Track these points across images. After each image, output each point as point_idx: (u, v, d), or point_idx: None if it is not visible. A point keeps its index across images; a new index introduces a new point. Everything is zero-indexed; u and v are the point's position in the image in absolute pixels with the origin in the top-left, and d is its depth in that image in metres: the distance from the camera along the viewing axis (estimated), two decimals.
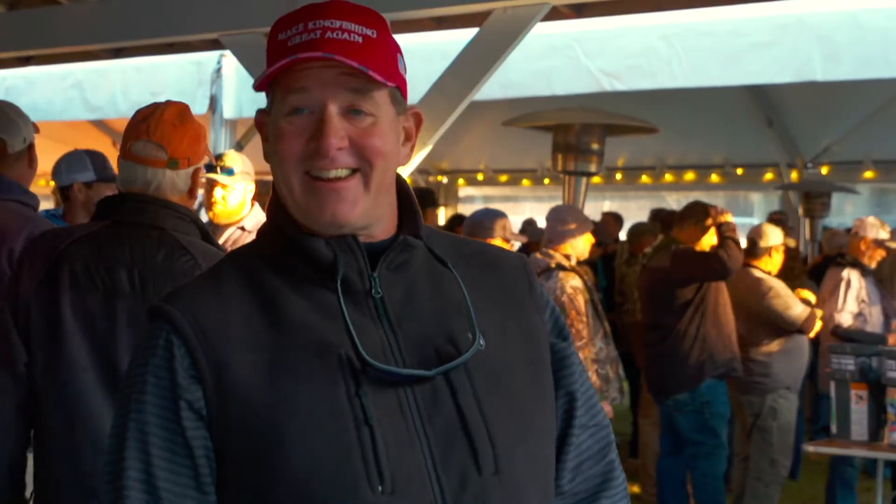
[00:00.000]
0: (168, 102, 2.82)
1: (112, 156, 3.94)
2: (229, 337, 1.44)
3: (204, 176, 4.60)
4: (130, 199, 2.74)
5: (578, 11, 5.74)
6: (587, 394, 1.64)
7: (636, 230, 8.65)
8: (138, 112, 2.80)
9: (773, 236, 6.75)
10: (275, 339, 1.44)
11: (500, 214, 5.79)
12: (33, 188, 3.75)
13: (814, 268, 8.93)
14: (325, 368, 1.42)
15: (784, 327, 6.58)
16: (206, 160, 2.87)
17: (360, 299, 1.47)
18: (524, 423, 1.50)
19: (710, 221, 6.34)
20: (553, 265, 5.74)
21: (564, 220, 5.94)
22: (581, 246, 5.89)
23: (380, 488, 1.39)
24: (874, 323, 7.09)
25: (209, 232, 2.86)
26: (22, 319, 2.70)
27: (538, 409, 1.55)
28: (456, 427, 1.45)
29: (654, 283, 6.41)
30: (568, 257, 5.80)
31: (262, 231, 1.56)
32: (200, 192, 4.68)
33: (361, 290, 1.47)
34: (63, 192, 4.37)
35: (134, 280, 2.66)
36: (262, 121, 1.55)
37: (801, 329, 6.64)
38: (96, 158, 4.36)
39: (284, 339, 1.44)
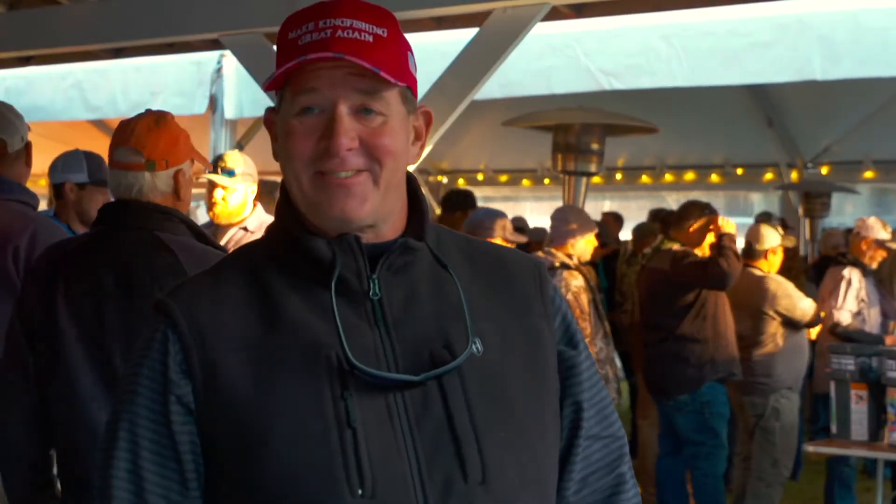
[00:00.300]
0: (147, 111, 2.95)
1: None
2: (224, 335, 1.45)
3: (204, 177, 4.65)
4: (118, 205, 2.88)
5: (578, 11, 5.74)
6: (600, 404, 1.61)
7: (642, 231, 8.63)
8: (120, 123, 2.93)
9: (770, 238, 6.73)
10: (268, 339, 1.44)
11: (500, 214, 5.80)
12: (33, 188, 3.75)
13: (812, 268, 8.93)
14: (313, 369, 1.42)
15: (795, 324, 6.58)
16: (188, 162, 2.93)
17: (358, 301, 1.47)
18: (518, 430, 1.48)
19: (711, 227, 6.33)
20: (557, 264, 5.75)
21: (568, 220, 5.96)
22: (582, 247, 5.90)
23: (360, 492, 1.39)
24: (872, 324, 7.09)
25: (202, 230, 2.95)
26: (27, 324, 2.83)
27: (537, 416, 1.52)
28: (444, 433, 1.43)
29: (654, 284, 6.41)
30: (570, 257, 5.81)
31: (270, 230, 1.57)
32: (201, 192, 4.71)
33: (359, 292, 1.47)
34: (56, 190, 4.37)
35: (119, 280, 2.76)
36: (271, 119, 1.54)
37: (809, 323, 6.65)
38: (93, 161, 4.37)
39: (278, 339, 1.44)
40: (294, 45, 1.46)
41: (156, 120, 2.89)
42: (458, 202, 7.25)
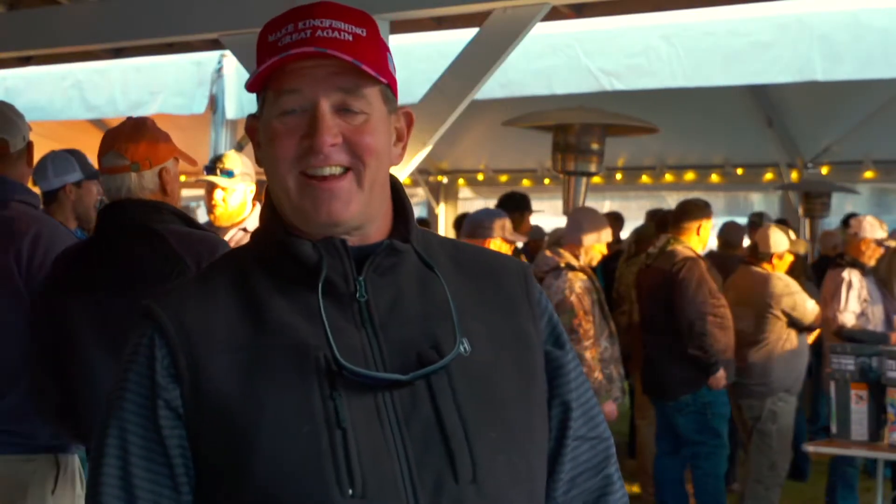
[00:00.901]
0: (128, 118, 3.20)
1: None
2: (211, 338, 1.45)
3: (203, 178, 4.66)
4: (112, 206, 3.10)
5: (578, 11, 5.73)
6: (586, 405, 1.61)
7: (643, 233, 8.59)
8: (105, 133, 3.18)
9: (779, 243, 6.69)
10: (256, 341, 1.45)
11: (500, 214, 5.80)
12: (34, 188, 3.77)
13: (811, 267, 8.92)
14: (301, 370, 1.43)
15: (797, 325, 6.58)
16: (171, 160, 3.14)
17: (345, 302, 1.47)
18: (507, 430, 1.48)
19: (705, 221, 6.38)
20: (563, 264, 5.75)
21: (582, 222, 5.97)
22: (592, 251, 5.93)
23: (350, 492, 1.39)
24: (876, 322, 7.07)
25: (192, 218, 3.15)
26: (44, 333, 3.05)
27: (526, 417, 1.52)
28: (433, 433, 1.44)
29: (656, 284, 6.38)
30: (577, 258, 5.83)
31: (255, 234, 1.57)
32: (198, 192, 4.75)
33: (346, 294, 1.47)
34: (50, 195, 4.38)
35: (123, 276, 2.93)
36: (254, 126, 1.55)
37: (811, 325, 6.64)
38: (80, 157, 4.46)
39: (265, 340, 1.45)
40: (274, 47, 1.47)
41: (135, 125, 3.14)
42: (514, 204, 7.38)
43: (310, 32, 1.45)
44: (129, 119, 3.18)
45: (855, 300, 7.00)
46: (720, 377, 6.11)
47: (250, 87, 1.49)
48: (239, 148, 8.00)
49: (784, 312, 6.54)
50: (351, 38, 1.46)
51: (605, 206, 12.05)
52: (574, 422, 1.59)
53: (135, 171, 3.05)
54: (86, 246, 3.15)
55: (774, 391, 6.54)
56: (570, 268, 5.76)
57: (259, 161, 1.53)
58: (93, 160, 4.71)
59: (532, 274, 1.64)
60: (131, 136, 3.09)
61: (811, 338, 6.95)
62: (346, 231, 1.48)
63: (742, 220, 9.65)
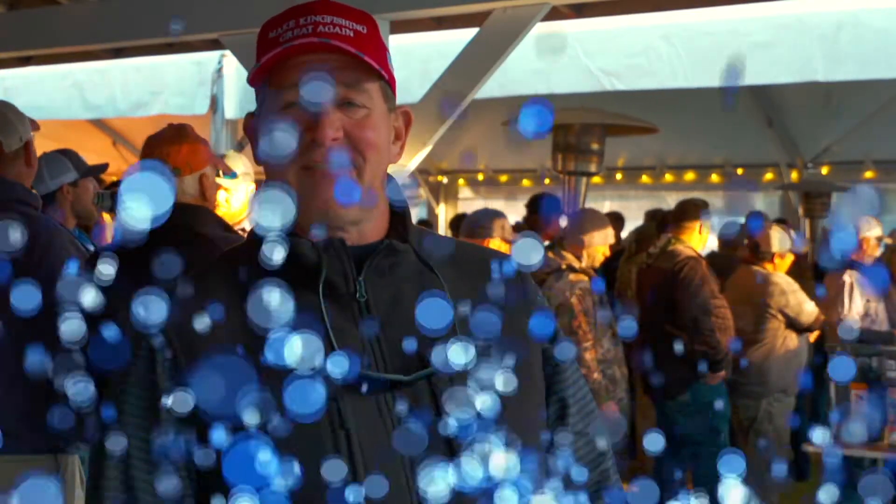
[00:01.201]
0: (169, 125, 3.28)
1: (114, 156, 4.00)
2: (212, 339, 1.44)
3: None
4: None
5: (578, 11, 5.74)
6: (582, 401, 1.63)
7: (645, 233, 8.59)
8: (147, 139, 3.27)
9: (780, 242, 6.69)
10: (257, 342, 1.43)
11: (499, 214, 5.80)
12: None
13: (812, 268, 8.92)
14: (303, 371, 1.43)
15: (797, 326, 6.57)
16: (210, 166, 3.23)
17: (345, 303, 1.47)
18: (509, 428, 1.48)
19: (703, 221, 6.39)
20: (564, 266, 5.75)
21: (584, 223, 5.97)
22: (594, 253, 5.93)
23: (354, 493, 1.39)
24: (881, 319, 7.06)
25: (228, 223, 3.25)
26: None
27: (526, 413, 1.54)
28: (436, 433, 1.44)
29: (657, 284, 6.38)
30: (579, 259, 5.83)
31: (252, 232, 1.57)
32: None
33: (346, 294, 1.47)
34: (47, 197, 4.39)
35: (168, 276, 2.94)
36: (252, 124, 1.55)
37: (811, 327, 6.64)
38: (72, 157, 4.49)
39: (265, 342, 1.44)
40: (275, 42, 1.47)
41: (177, 131, 3.24)
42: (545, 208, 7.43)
43: (311, 28, 1.46)
44: (171, 125, 3.28)
45: (858, 302, 6.98)
46: (721, 376, 6.12)
47: (252, 80, 1.49)
48: (239, 148, 7.99)
49: (783, 312, 6.54)
50: (352, 34, 1.47)
51: (605, 206, 12.04)
52: (571, 417, 1.61)
53: (176, 176, 3.15)
54: (129, 247, 3.21)
55: (771, 391, 6.54)
56: (572, 269, 5.76)
57: (257, 159, 1.54)
58: (91, 160, 4.74)
59: (528, 272, 1.65)
60: (172, 142, 3.18)
61: (812, 338, 6.94)
62: (344, 227, 1.48)
63: (743, 221, 9.65)
